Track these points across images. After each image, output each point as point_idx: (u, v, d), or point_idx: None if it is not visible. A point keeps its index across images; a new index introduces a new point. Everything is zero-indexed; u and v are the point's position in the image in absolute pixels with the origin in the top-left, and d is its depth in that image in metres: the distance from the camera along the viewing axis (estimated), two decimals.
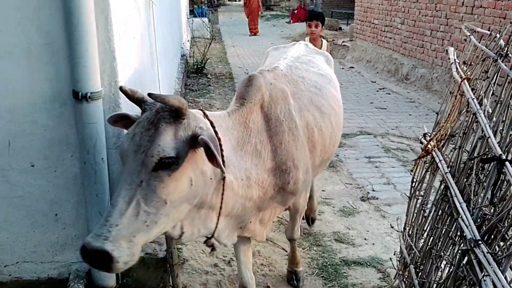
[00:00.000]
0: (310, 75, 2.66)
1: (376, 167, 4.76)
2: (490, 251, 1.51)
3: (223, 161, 1.74)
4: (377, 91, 8.29)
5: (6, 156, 2.23)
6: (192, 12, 14.08)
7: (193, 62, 9.15)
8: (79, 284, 2.34)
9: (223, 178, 1.83)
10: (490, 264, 1.47)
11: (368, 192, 4.15)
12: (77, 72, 2.08)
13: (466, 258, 1.68)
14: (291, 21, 19.04)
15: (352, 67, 10.49)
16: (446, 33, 7.79)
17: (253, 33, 16.33)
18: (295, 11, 19.23)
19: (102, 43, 2.15)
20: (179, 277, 2.58)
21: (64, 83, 2.15)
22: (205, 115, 1.85)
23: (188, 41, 10.94)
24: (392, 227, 3.03)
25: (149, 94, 1.61)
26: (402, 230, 2.69)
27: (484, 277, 1.46)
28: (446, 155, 2.29)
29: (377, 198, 4.03)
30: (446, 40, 7.74)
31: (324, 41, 4.78)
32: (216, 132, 1.79)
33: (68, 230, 2.40)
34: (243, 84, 2.18)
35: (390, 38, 9.73)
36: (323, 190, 4.18)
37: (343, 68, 10.39)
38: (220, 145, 1.76)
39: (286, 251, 3.19)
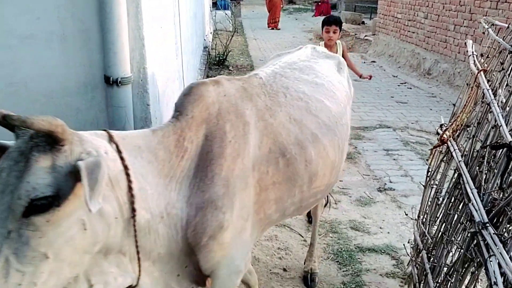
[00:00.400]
0: (299, 85, 2.19)
1: (394, 159, 4.81)
2: (496, 232, 1.58)
3: (131, 194, 1.40)
4: (398, 85, 8.28)
5: None
6: (215, 5, 14.20)
7: (215, 54, 9.27)
8: None
9: (133, 217, 1.43)
10: (496, 245, 1.54)
11: (385, 184, 4.21)
12: (108, 58, 2.21)
13: (475, 242, 1.76)
14: (315, 14, 19.03)
15: (374, 61, 10.46)
16: (470, 28, 7.72)
17: (272, 27, 16.18)
18: (319, 4, 19.20)
19: (132, 31, 2.27)
20: None
21: (96, 69, 2.28)
22: (110, 136, 1.47)
23: (211, 33, 11.07)
24: (407, 215, 3.11)
25: (4, 116, 1.24)
26: (416, 218, 2.77)
27: (490, 257, 1.54)
28: (461, 144, 2.35)
29: (394, 189, 4.09)
30: (470, 35, 7.67)
31: (339, 43, 4.64)
32: (122, 158, 1.42)
33: None
34: (181, 94, 1.77)
35: (413, 32, 9.67)
36: (340, 181, 4.25)
37: (364, 62, 10.37)
38: (127, 174, 1.40)
39: (303, 236, 3.29)
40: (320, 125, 2.09)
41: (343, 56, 4.59)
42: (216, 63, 9.12)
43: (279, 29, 16.12)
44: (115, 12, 2.15)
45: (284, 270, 2.93)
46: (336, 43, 4.60)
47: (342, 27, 4.80)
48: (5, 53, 2.21)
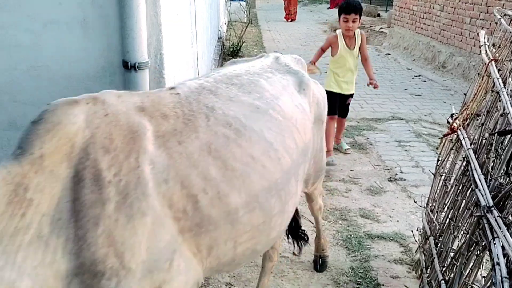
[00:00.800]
0: (231, 107, 1.66)
1: (405, 150, 4.83)
2: (501, 215, 1.63)
3: None
4: (413, 78, 8.25)
5: None
6: None
7: (229, 45, 9.32)
8: None
9: None
10: (500, 228, 1.59)
11: (396, 174, 4.24)
12: (127, 43, 2.29)
13: (480, 226, 1.81)
14: (330, 6, 18.91)
15: (389, 54, 10.41)
16: (486, 20, 7.64)
17: (289, 19, 16.11)
18: None
19: (150, 17, 2.34)
20: None
21: (115, 54, 2.36)
22: None
23: (225, 24, 11.11)
24: (415, 202, 3.15)
25: None
26: (425, 206, 2.81)
27: (494, 239, 1.59)
28: (470, 133, 2.39)
29: (404, 180, 4.12)
30: (486, 28, 7.59)
31: (358, 32, 4.31)
32: None
33: None
34: (31, 122, 1.27)
35: (429, 25, 9.59)
36: (351, 170, 4.30)
37: (379, 55, 10.33)
38: None
39: (312, 223, 3.35)
40: (252, 162, 1.58)
41: (360, 49, 4.42)
42: (230, 53, 9.17)
43: (294, 21, 16.04)
44: None
45: (294, 254, 3.00)
46: (355, 33, 4.30)
47: None
48: (29, 37, 2.30)
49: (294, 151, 1.80)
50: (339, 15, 4.18)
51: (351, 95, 4.60)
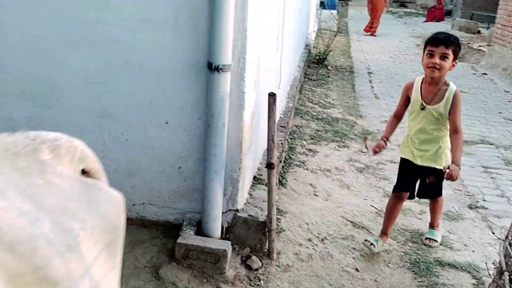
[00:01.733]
0: None
1: (491, 177, 4.52)
2: None
3: None
4: (509, 101, 7.67)
5: (148, 112, 2.64)
6: (322, 4, 14.19)
7: (316, 53, 9.31)
8: (190, 230, 2.69)
9: None
10: None
11: (478, 201, 3.98)
12: (213, 45, 2.39)
13: None
14: (426, 19, 18.15)
15: (485, 74, 9.77)
16: None
17: (369, 32, 14.74)
18: (432, 9, 18.28)
19: (237, 21, 2.43)
20: (274, 242, 2.81)
21: (201, 54, 2.48)
22: None
23: (314, 31, 11.11)
24: (493, 233, 2.94)
25: None
26: (504, 238, 2.62)
27: None
28: None
29: (486, 208, 3.86)
30: None
31: (452, 88, 2.83)
32: None
33: (188, 183, 2.76)
34: None
35: None
36: None
37: (474, 74, 9.73)
38: None
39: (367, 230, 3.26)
40: None
41: (450, 114, 2.83)
42: (316, 61, 9.16)
43: (375, 35, 14.62)
44: (224, 2, 2.31)
45: (357, 270, 2.94)
46: (446, 84, 2.84)
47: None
48: (126, 34, 2.49)
49: None
50: (424, 48, 2.84)
51: (434, 171, 2.99)
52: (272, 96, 2.52)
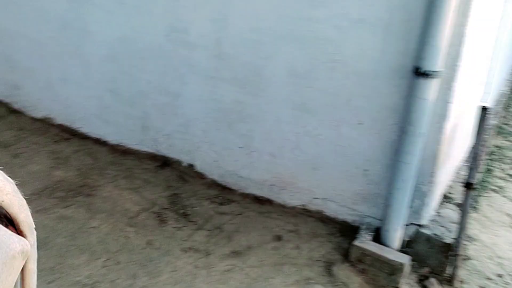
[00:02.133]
0: None
1: None
2: None
3: None
4: None
5: (344, 110, 2.66)
6: None
7: None
8: (368, 235, 2.64)
9: None
10: None
11: None
12: (423, 50, 2.28)
13: None
14: None
15: None
16: None
17: None
18: None
19: (454, 26, 2.26)
20: (458, 269, 2.57)
21: (408, 58, 2.38)
22: None
23: None
24: None
25: None
26: None
27: None
28: None
29: None
30: None
31: None
32: None
33: (371, 187, 2.71)
34: None
35: None
36: None
37: None
38: None
39: None
40: None
41: None
42: None
43: None
44: (443, 6, 2.17)
45: None
46: None
47: None
48: (336, 33, 2.54)
49: None
50: None
51: None
52: (484, 109, 2.29)
